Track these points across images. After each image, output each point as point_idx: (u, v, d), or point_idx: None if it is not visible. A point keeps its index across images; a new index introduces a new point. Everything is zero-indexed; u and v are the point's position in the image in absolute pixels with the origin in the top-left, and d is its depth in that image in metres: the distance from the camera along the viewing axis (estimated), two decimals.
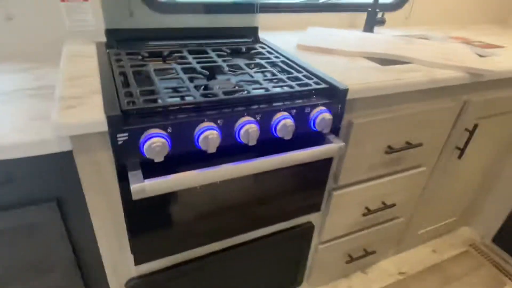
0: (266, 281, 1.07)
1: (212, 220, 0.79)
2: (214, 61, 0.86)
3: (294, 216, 0.94)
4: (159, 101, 0.64)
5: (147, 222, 0.70)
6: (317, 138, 0.78)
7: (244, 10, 1.06)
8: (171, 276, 0.83)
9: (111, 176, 0.63)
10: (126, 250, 0.75)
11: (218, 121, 0.64)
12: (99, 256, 0.75)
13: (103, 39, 0.93)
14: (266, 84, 0.75)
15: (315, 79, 0.80)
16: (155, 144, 0.55)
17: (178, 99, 0.65)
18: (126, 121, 0.57)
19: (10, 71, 0.84)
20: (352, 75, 0.85)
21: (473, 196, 1.46)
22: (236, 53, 0.97)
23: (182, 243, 0.79)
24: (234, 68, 0.85)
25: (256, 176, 0.78)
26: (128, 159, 0.59)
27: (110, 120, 0.56)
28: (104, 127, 0.56)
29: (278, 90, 0.74)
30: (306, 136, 0.77)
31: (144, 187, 0.56)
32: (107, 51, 0.87)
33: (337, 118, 0.78)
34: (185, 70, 0.79)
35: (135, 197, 0.56)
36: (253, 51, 0.98)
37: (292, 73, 0.83)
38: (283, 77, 0.80)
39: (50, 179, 0.63)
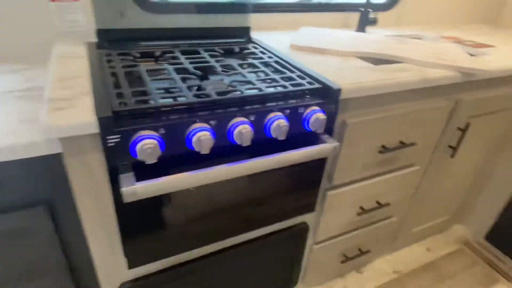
0: (261, 282, 1.07)
1: (206, 222, 0.79)
2: (207, 62, 0.86)
3: (288, 216, 0.94)
4: (151, 102, 0.64)
5: (140, 225, 0.69)
6: (311, 138, 0.78)
7: (237, 10, 1.05)
8: (165, 279, 0.82)
9: (102, 179, 0.62)
10: (118, 254, 0.74)
11: (211, 122, 0.63)
12: (91, 260, 0.74)
13: (94, 39, 0.92)
14: (259, 84, 0.75)
15: (309, 79, 0.80)
16: (147, 145, 0.55)
17: (170, 99, 0.64)
18: (117, 123, 0.56)
19: None
20: (346, 75, 0.85)
21: (466, 195, 1.47)
22: (229, 53, 0.96)
23: (176, 245, 0.78)
24: (227, 68, 0.84)
25: (250, 177, 0.77)
26: (119, 161, 0.59)
27: (101, 121, 0.55)
28: (94, 129, 0.55)
29: (271, 90, 0.73)
30: (300, 136, 0.76)
31: (135, 189, 0.55)
32: (98, 51, 0.86)
33: (331, 118, 0.78)
34: (178, 71, 0.78)
35: (126, 199, 0.55)
36: (246, 51, 0.98)
37: (285, 73, 0.83)
38: (277, 77, 0.80)
39: (40, 182, 0.62)
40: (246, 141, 0.65)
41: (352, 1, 1.36)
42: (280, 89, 0.74)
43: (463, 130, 1.11)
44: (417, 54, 1.00)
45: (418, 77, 0.88)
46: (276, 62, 0.91)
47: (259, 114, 0.68)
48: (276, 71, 0.86)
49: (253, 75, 0.83)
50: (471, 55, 1.19)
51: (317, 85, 0.77)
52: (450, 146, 1.16)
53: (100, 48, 0.89)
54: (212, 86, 0.72)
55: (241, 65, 0.87)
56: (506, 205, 1.39)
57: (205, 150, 0.61)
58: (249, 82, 0.77)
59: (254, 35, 1.13)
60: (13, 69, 0.85)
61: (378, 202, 1.13)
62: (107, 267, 0.75)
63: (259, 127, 0.70)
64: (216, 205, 0.77)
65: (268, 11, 1.22)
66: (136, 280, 0.79)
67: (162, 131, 0.59)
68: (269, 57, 0.94)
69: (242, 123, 0.65)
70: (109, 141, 0.55)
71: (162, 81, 0.74)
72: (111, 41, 0.93)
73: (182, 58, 0.85)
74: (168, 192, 0.60)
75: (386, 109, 0.92)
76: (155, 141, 0.56)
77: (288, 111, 0.71)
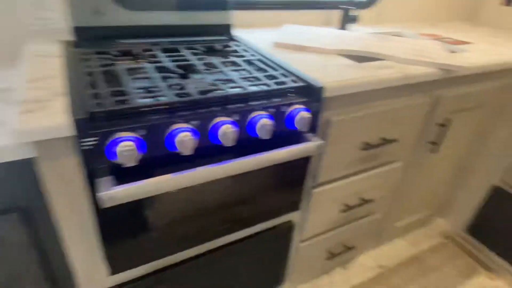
0: (248, 282, 1.06)
1: (190, 224, 0.77)
2: (188, 60, 0.83)
3: (274, 216, 0.93)
4: (130, 102, 0.61)
5: (121, 229, 0.67)
6: (295, 137, 0.78)
7: (218, 7, 1.03)
8: (149, 284, 0.80)
9: (79, 184, 0.60)
10: (99, 260, 0.72)
11: (194, 122, 0.62)
12: (71, 268, 0.71)
13: (70, 37, 0.88)
14: (242, 83, 0.74)
15: (292, 77, 0.79)
16: (125, 148, 0.52)
17: (150, 99, 0.62)
18: (94, 125, 0.54)
19: None
20: (329, 73, 0.84)
21: (447, 189, 1.51)
22: (210, 51, 0.94)
23: (160, 249, 0.76)
24: (209, 67, 0.82)
25: (234, 177, 0.76)
26: (97, 165, 0.56)
27: (76, 123, 0.52)
28: (69, 131, 0.52)
29: (255, 89, 0.72)
30: (284, 135, 0.76)
31: (114, 194, 0.53)
32: (74, 50, 0.82)
33: (315, 116, 0.78)
34: (158, 69, 0.76)
35: (105, 205, 0.53)
36: (228, 49, 0.96)
37: (268, 72, 0.82)
38: (260, 75, 0.78)
39: (12, 188, 0.59)
40: (230, 141, 0.64)
41: None
42: (263, 87, 0.73)
43: (444, 126, 1.14)
44: (399, 51, 1.01)
45: (400, 74, 0.89)
46: (259, 60, 0.89)
47: (243, 113, 0.67)
48: (259, 69, 0.85)
49: (236, 73, 0.81)
50: (451, 51, 1.21)
51: (301, 84, 0.76)
52: (431, 142, 1.18)
53: (76, 46, 0.85)
54: (194, 85, 0.70)
55: (223, 63, 0.85)
56: (485, 198, 1.43)
57: (187, 151, 0.59)
58: (232, 81, 0.75)
59: (236, 32, 1.11)
60: None
61: (362, 199, 1.14)
62: (87, 275, 0.72)
63: (243, 127, 0.68)
64: (201, 207, 0.76)
65: (250, 8, 1.21)
66: (119, 286, 0.77)
67: (142, 132, 0.57)
68: (252, 55, 0.92)
69: (226, 122, 0.63)
70: (85, 144, 0.53)
71: (141, 80, 0.71)
72: (88, 39, 0.89)
73: (162, 56, 0.83)
74: (149, 195, 0.58)
75: (368, 106, 0.93)
76: (134, 143, 0.53)
77: (272, 110, 0.70)
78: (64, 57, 0.77)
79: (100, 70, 0.71)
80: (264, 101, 0.71)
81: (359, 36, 1.16)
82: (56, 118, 0.52)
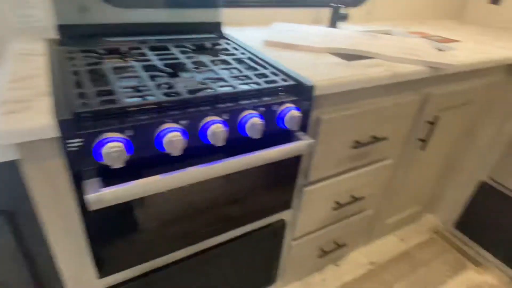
0: (240, 282, 1.05)
1: (181, 225, 0.76)
2: (177, 58, 0.82)
3: (265, 215, 0.93)
4: (117, 102, 0.60)
5: (109, 231, 0.66)
6: (286, 136, 0.77)
7: (208, 4, 1.02)
8: (139, 286, 0.79)
9: (65, 186, 0.58)
10: (88, 263, 0.70)
11: (183, 122, 0.61)
12: (58, 272, 0.70)
13: (55, 35, 0.86)
14: (232, 82, 0.73)
15: (282, 76, 0.79)
16: (113, 149, 0.51)
17: (138, 99, 0.61)
18: (80, 125, 0.53)
19: None
20: (319, 71, 0.84)
21: (435, 185, 1.53)
22: (200, 49, 0.93)
23: (149, 251, 0.75)
24: (199, 65, 0.81)
25: (225, 176, 0.75)
26: (84, 167, 0.55)
27: (61, 124, 0.51)
28: (54, 132, 0.51)
29: (245, 87, 0.71)
30: (274, 134, 0.75)
31: (101, 196, 0.52)
32: (59, 48, 0.80)
33: (305, 115, 0.78)
34: (146, 68, 0.75)
35: (92, 207, 0.52)
36: (218, 47, 0.95)
37: (258, 70, 0.81)
38: (250, 74, 0.78)
39: None
40: (219, 141, 0.63)
41: None
42: (254, 86, 0.72)
43: (433, 123, 1.15)
44: (388, 50, 1.02)
45: (389, 72, 0.89)
46: (249, 58, 0.89)
47: (233, 112, 0.66)
48: (249, 67, 0.84)
49: (225, 72, 0.81)
50: (439, 49, 1.23)
51: (291, 82, 0.76)
52: (420, 139, 1.19)
53: (61, 45, 0.83)
54: (183, 84, 0.69)
55: (213, 62, 0.84)
56: (472, 194, 1.45)
57: (176, 151, 0.58)
58: (221, 80, 0.74)
59: (226, 30, 1.10)
60: None
61: (353, 196, 1.15)
62: (75, 278, 0.71)
63: (233, 126, 0.68)
64: (191, 207, 0.75)
65: (240, 6, 1.20)
66: None
67: (130, 132, 0.55)
68: (242, 53, 0.91)
69: (215, 122, 0.63)
70: (71, 145, 0.51)
71: (129, 79, 0.70)
72: (74, 38, 0.87)
73: (150, 55, 0.82)
74: (137, 197, 0.57)
75: (358, 104, 0.93)
76: (121, 144, 0.52)
77: (262, 109, 0.70)
78: (48, 56, 0.76)
79: (86, 69, 0.69)
80: (255, 100, 0.70)
81: (349, 34, 1.16)
82: (40, 119, 0.51)
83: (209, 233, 0.83)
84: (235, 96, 0.69)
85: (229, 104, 0.67)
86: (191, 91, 0.66)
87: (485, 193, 1.40)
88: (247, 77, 0.77)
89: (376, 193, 1.23)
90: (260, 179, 0.83)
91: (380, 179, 1.19)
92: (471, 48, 1.21)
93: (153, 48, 0.87)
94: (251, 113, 0.68)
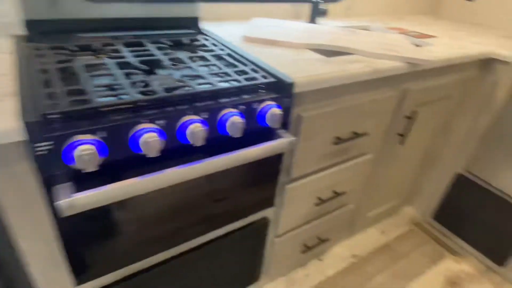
0: (224, 281, 1.04)
1: (161, 227, 0.74)
2: (153, 55, 0.79)
3: (248, 213, 0.92)
4: (89, 101, 0.57)
5: (85, 237, 0.63)
6: (267, 134, 0.76)
7: None
8: None
9: (35, 192, 0.55)
10: (63, 270, 0.67)
11: (159, 122, 0.58)
12: (31, 281, 0.66)
13: (23, 31, 0.81)
14: (211, 79, 0.71)
15: (263, 73, 0.77)
16: (84, 152, 0.49)
17: (111, 98, 0.58)
18: (48, 128, 0.50)
19: None
20: (299, 68, 0.83)
21: (414, 178, 1.56)
22: (177, 45, 0.91)
23: (129, 255, 0.73)
24: (176, 62, 0.79)
25: (205, 176, 0.73)
26: (54, 171, 0.52)
27: (28, 127, 0.48)
28: (21, 135, 0.48)
29: (224, 85, 0.70)
30: (255, 132, 0.74)
31: (73, 202, 0.49)
32: (27, 45, 0.76)
33: (286, 112, 0.77)
34: (120, 65, 0.72)
35: (64, 213, 0.49)
36: (196, 43, 0.92)
37: (238, 67, 0.80)
38: (229, 71, 0.76)
39: None
40: (198, 141, 0.61)
41: None
42: (233, 83, 0.71)
43: (411, 118, 1.17)
44: (367, 46, 1.02)
45: (370, 68, 0.89)
46: (229, 54, 0.87)
47: (212, 111, 0.65)
48: (228, 64, 0.83)
49: (204, 69, 0.79)
50: (417, 45, 1.24)
51: (271, 79, 0.75)
52: (399, 134, 1.21)
53: (29, 41, 0.79)
54: (160, 82, 0.67)
55: (191, 58, 0.82)
56: (449, 186, 1.49)
57: (153, 152, 0.56)
58: (200, 77, 0.73)
59: (204, 26, 1.08)
60: None
61: (334, 192, 1.15)
62: (50, 286, 0.68)
63: (213, 125, 0.66)
64: (171, 209, 0.73)
65: (219, 0, 1.17)
66: None
67: (103, 134, 0.53)
68: (221, 50, 0.90)
69: (194, 121, 0.61)
70: (39, 149, 0.49)
71: (102, 77, 0.67)
72: (43, 34, 0.83)
73: (125, 51, 0.78)
74: (112, 202, 0.55)
75: (338, 101, 0.93)
76: (93, 147, 0.50)
77: (242, 107, 0.68)
78: (15, 53, 0.71)
79: (55, 67, 0.65)
80: (235, 98, 0.69)
81: (328, 30, 1.16)
82: (5, 121, 0.48)
83: (190, 234, 0.82)
84: (215, 94, 0.67)
85: (208, 103, 0.65)
86: (168, 89, 0.64)
87: (461, 185, 1.44)
88: (227, 74, 0.75)
89: (357, 188, 1.25)
90: (242, 177, 0.81)
91: (361, 174, 1.20)
92: (447, 44, 1.24)
93: (128, 44, 0.84)
94: (231, 111, 0.66)
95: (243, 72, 0.77)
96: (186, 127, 0.60)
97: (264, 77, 0.76)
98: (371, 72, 0.90)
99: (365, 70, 0.88)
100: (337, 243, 1.51)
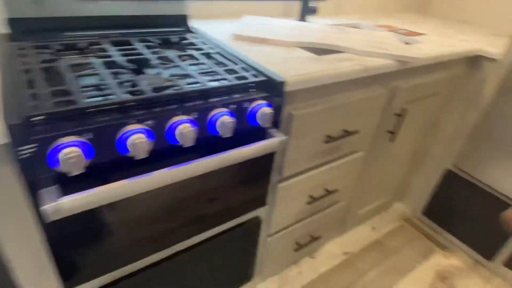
0: (217, 281, 1.04)
1: (152, 229, 0.73)
2: (141, 54, 0.78)
3: (240, 213, 0.91)
4: (74, 102, 0.55)
5: (73, 241, 0.62)
6: (258, 133, 0.76)
7: None
8: None
9: (19, 196, 0.53)
10: (51, 275, 0.66)
11: (148, 122, 0.57)
12: (17, 286, 0.65)
13: (5, 30, 0.79)
14: (201, 78, 0.70)
15: (253, 72, 0.77)
16: (69, 155, 0.47)
17: (98, 98, 0.57)
18: (33, 130, 0.48)
19: None
20: (290, 66, 0.83)
21: (404, 174, 1.58)
22: (166, 44, 0.89)
23: (119, 258, 0.71)
24: (165, 61, 0.77)
25: (197, 177, 0.72)
26: (39, 174, 0.50)
27: (11, 129, 0.46)
28: (3, 138, 0.46)
29: (214, 84, 0.69)
30: (246, 131, 0.73)
31: (59, 206, 0.48)
32: (10, 44, 0.74)
33: (277, 111, 0.76)
34: (107, 65, 0.70)
35: (50, 218, 0.48)
36: (185, 42, 0.91)
37: (228, 66, 0.79)
38: (219, 70, 0.75)
39: None
40: (188, 141, 0.60)
41: None
42: (223, 83, 0.70)
43: (400, 116, 1.17)
44: (357, 44, 1.02)
45: (360, 66, 0.89)
46: (218, 53, 0.86)
47: (202, 111, 0.64)
48: (218, 63, 0.82)
49: (194, 67, 0.77)
50: (406, 43, 1.25)
51: (262, 78, 0.74)
52: (389, 131, 1.22)
53: (12, 40, 0.76)
54: (148, 81, 0.66)
55: (180, 57, 0.81)
56: (439, 181, 1.51)
57: (141, 154, 0.55)
58: (189, 76, 0.71)
59: (193, 24, 1.06)
60: None
61: (326, 190, 1.16)
62: None
63: (203, 125, 0.65)
64: (162, 210, 0.72)
65: None
66: None
67: (89, 136, 0.51)
68: (211, 48, 0.88)
69: (183, 122, 0.60)
70: (23, 152, 0.47)
71: (88, 77, 0.65)
72: (27, 32, 0.80)
73: (112, 50, 0.77)
74: (100, 205, 0.54)
75: (329, 99, 0.93)
76: (79, 149, 0.48)
77: (233, 106, 0.68)
78: None
79: (39, 67, 0.64)
80: (225, 97, 0.68)
81: (318, 28, 1.16)
82: None
83: (182, 235, 0.81)
84: (204, 94, 0.66)
85: (197, 102, 0.64)
86: (156, 89, 0.63)
87: (450, 181, 1.46)
88: (216, 73, 0.74)
89: (348, 185, 1.25)
90: (233, 177, 0.81)
91: (352, 171, 1.21)
92: (436, 41, 1.25)
93: (115, 43, 0.82)
94: (221, 111, 0.65)
95: (233, 71, 0.76)
96: (175, 127, 0.59)
97: (255, 76, 0.75)
98: (361, 70, 0.90)
99: (355, 68, 0.88)
100: (329, 240, 1.51)
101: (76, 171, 0.49)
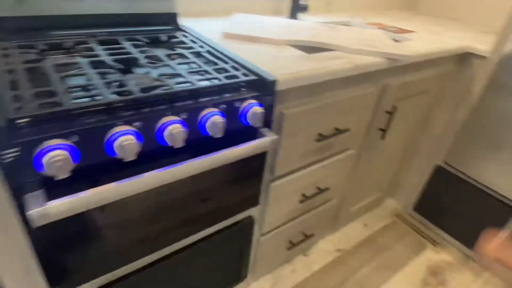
0: (211, 281, 1.03)
1: (143, 231, 0.72)
2: (129, 53, 0.76)
3: (233, 213, 0.90)
4: (60, 104, 0.54)
5: (62, 246, 0.60)
6: (249, 132, 0.75)
7: None
8: None
9: (4, 201, 0.52)
10: (39, 281, 0.64)
11: (136, 124, 0.56)
12: None
13: None
14: (190, 78, 0.69)
15: (243, 71, 0.76)
16: (55, 158, 0.46)
17: (84, 100, 0.56)
18: (16, 133, 0.47)
19: None
20: (280, 65, 0.82)
21: (395, 171, 1.59)
22: (154, 42, 0.88)
23: (110, 261, 0.70)
24: (153, 60, 0.76)
25: (188, 178, 0.72)
26: (24, 179, 0.49)
27: None
28: None
29: (204, 84, 0.68)
30: (237, 131, 0.73)
31: (45, 211, 0.46)
32: None
33: (268, 110, 0.76)
34: (94, 65, 0.68)
35: (36, 224, 0.47)
36: (174, 40, 0.90)
37: (218, 65, 0.78)
38: (209, 69, 0.74)
39: None
40: (178, 142, 0.59)
41: None
42: (214, 82, 0.69)
43: (391, 113, 1.18)
44: (348, 42, 1.02)
45: (351, 64, 0.89)
46: (208, 52, 0.85)
47: (192, 111, 0.63)
48: (208, 62, 0.81)
49: (183, 67, 0.76)
50: (396, 40, 1.25)
51: (252, 77, 0.73)
52: (380, 129, 1.22)
53: None
54: (136, 81, 0.64)
55: (169, 56, 0.80)
56: (429, 178, 1.53)
57: (129, 156, 0.53)
58: (179, 75, 0.70)
59: (183, 22, 1.05)
60: None
61: (318, 188, 1.16)
62: None
63: (193, 125, 0.64)
64: (153, 212, 0.71)
65: None
66: None
67: (75, 138, 0.50)
68: (201, 47, 0.87)
69: (173, 122, 0.59)
70: (6, 156, 0.45)
71: (74, 78, 0.64)
72: (10, 31, 0.78)
73: (99, 50, 0.75)
74: (88, 208, 0.52)
75: (320, 98, 0.92)
76: (66, 152, 0.47)
77: (223, 106, 0.67)
78: None
79: (23, 68, 0.62)
80: (215, 97, 0.67)
81: (309, 26, 1.15)
82: None
83: (174, 237, 0.80)
84: (194, 93, 0.65)
85: (187, 102, 0.63)
86: (144, 89, 0.61)
87: (440, 177, 1.48)
88: (207, 72, 0.73)
89: (340, 183, 1.25)
90: (225, 178, 0.80)
91: (344, 169, 1.21)
92: (426, 39, 1.25)
93: (102, 42, 0.81)
94: (211, 111, 0.64)
95: (224, 70, 0.75)
96: (165, 128, 0.58)
97: (245, 75, 0.74)
98: (352, 68, 0.89)
99: (346, 67, 0.88)
100: (321, 238, 1.52)
101: (62, 174, 0.48)
